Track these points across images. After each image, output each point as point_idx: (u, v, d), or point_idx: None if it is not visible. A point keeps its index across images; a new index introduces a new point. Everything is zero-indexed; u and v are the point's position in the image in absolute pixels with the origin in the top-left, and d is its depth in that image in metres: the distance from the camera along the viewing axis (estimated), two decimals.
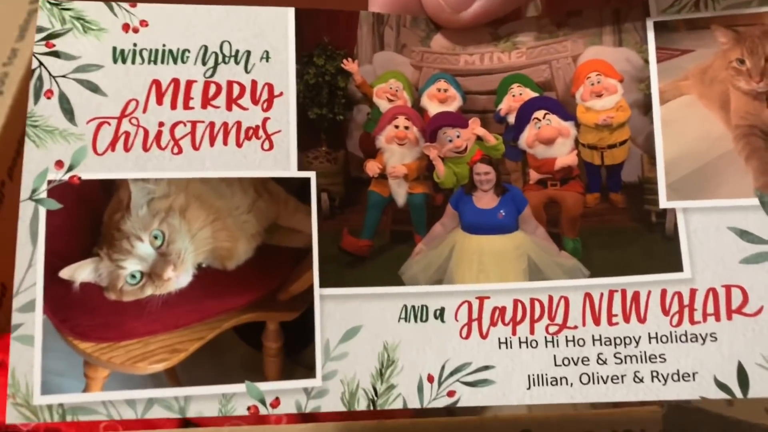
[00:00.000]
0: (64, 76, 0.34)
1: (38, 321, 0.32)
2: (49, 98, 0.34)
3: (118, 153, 0.34)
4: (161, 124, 0.34)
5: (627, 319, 0.34)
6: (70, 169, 0.34)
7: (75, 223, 0.33)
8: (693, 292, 0.34)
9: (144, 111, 0.35)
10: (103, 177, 0.34)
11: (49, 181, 0.33)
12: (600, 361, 0.34)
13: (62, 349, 0.32)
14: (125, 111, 0.34)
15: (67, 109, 0.34)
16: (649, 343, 0.34)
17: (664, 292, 0.34)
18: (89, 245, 0.33)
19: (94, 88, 0.35)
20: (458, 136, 0.36)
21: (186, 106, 0.35)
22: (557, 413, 0.42)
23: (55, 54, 0.35)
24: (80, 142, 0.34)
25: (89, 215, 0.34)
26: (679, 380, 0.34)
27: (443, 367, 0.34)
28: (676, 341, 0.34)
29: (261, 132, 0.35)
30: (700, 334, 0.34)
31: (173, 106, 0.35)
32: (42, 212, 0.33)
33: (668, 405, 0.37)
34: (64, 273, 0.32)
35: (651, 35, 0.36)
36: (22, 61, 0.43)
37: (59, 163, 0.34)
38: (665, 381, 0.34)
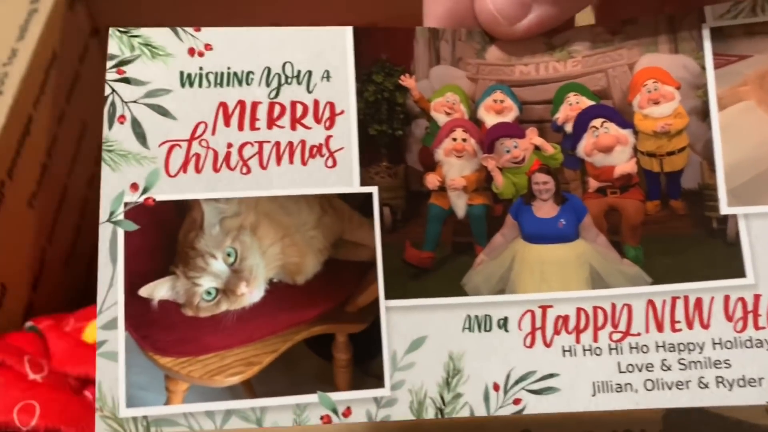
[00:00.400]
0: (135, 102, 0.36)
1: (121, 338, 0.33)
2: (122, 123, 0.36)
3: (189, 174, 0.35)
4: (230, 146, 0.36)
5: (690, 326, 0.35)
6: (145, 191, 0.35)
7: (151, 243, 0.35)
8: (757, 297, 0.34)
9: (213, 133, 0.36)
10: (176, 198, 0.35)
11: (126, 204, 0.35)
12: (664, 368, 0.34)
13: (144, 364, 0.33)
14: (195, 133, 0.36)
15: (139, 133, 0.36)
16: (713, 349, 0.34)
17: (727, 299, 0.35)
18: (165, 264, 0.35)
19: (164, 112, 0.36)
20: (516, 147, 0.37)
21: (252, 127, 0.36)
22: (558, 413, 0.42)
23: (126, 80, 0.36)
24: (153, 164, 0.35)
25: (164, 235, 0.35)
26: (744, 386, 0.34)
27: (508, 376, 0.34)
28: (741, 347, 0.34)
29: (324, 150, 0.36)
30: (766, 340, 0.34)
31: (240, 128, 0.36)
32: (120, 233, 0.34)
33: None
34: (144, 291, 0.34)
35: (707, 41, 0.37)
36: (22, 61, 0.43)
37: (134, 186, 0.35)
38: (731, 387, 0.34)
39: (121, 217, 0.35)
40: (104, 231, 0.34)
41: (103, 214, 0.35)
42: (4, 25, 0.44)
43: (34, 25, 0.44)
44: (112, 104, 0.36)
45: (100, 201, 0.35)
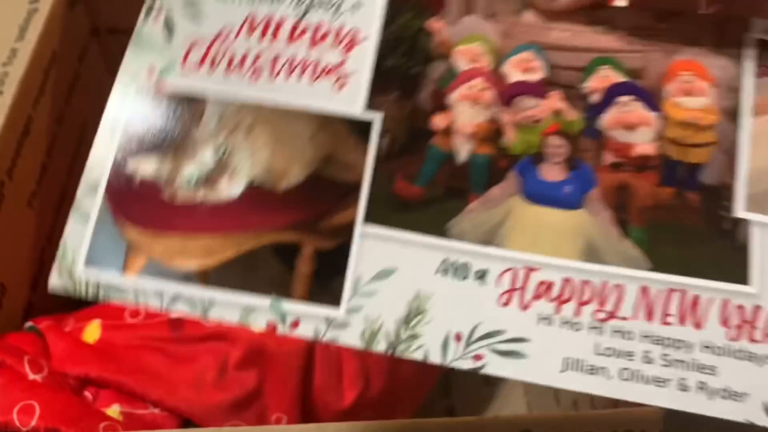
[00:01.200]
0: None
1: (99, 200, 0.33)
2: (155, 16, 0.37)
3: (203, 70, 0.36)
4: (246, 52, 0.36)
5: (682, 322, 0.32)
6: (159, 76, 0.36)
7: (152, 124, 0.35)
8: (757, 309, 0.32)
9: (235, 38, 0.36)
10: (185, 88, 0.35)
11: (139, 84, 0.36)
12: (646, 360, 0.31)
13: (110, 231, 0.33)
14: (218, 36, 0.36)
15: (169, 26, 0.36)
16: (702, 351, 0.31)
17: (725, 303, 0.32)
18: (159, 145, 0.35)
19: (196, 13, 0.37)
20: (536, 106, 0.35)
21: (273, 40, 0.36)
22: (558, 413, 0.40)
23: None
24: (173, 55, 0.36)
25: (165, 119, 0.35)
26: (726, 398, 0.31)
27: (473, 330, 0.32)
28: (731, 356, 0.31)
29: (337, 72, 0.36)
30: (757, 354, 0.31)
31: (261, 39, 0.36)
32: (127, 106, 0.35)
33: None
34: (131, 163, 0.34)
35: (752, 50, 0.35)
36: (22, 61, 0.42)
37: (150, 70, 0.36)
38: (711, 396, 0.31)
39: (133, 94, 0.35)
40: (113, 101, 0.35)
41: (117, 87, 0.35)
42: (4, 25, 0.43)
43: (34, 25, 0.43)
44: None
45: (118, 75, 0.36)
